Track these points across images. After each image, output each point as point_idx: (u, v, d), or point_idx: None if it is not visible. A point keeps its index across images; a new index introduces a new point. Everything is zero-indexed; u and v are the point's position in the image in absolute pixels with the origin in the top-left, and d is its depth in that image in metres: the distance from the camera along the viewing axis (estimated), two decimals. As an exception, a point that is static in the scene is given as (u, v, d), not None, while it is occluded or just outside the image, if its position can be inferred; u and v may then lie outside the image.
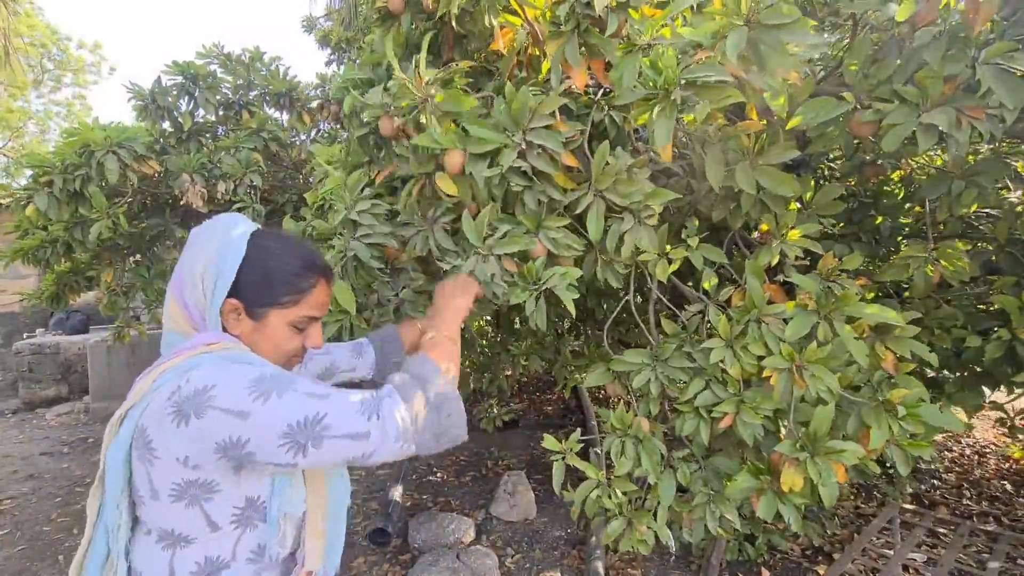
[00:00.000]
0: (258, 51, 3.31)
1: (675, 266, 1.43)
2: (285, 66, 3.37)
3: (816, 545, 2.99)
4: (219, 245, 0.84)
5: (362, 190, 1.54)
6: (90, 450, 4.85)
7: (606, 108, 1.52)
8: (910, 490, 3.64)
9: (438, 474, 4.12)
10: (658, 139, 1.01)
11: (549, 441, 1.40)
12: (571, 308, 1.15)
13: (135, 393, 0.79)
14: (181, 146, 2.93)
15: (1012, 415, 2.72)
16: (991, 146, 1.60)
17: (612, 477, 1.41)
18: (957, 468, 4.11)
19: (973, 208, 1.43)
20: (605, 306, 2.81)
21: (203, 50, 3.06)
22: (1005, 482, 3.84)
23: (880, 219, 2.08)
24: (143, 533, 0.80)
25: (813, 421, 1.12)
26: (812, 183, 1.59)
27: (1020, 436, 2.48)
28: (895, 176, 1.95)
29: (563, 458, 1.39)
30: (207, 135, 3.10)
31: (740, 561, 2.86)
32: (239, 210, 2.67)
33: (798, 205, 1.56)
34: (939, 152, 1.89)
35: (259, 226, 0.91)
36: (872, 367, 1.29)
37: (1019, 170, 1.51)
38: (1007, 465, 4.15)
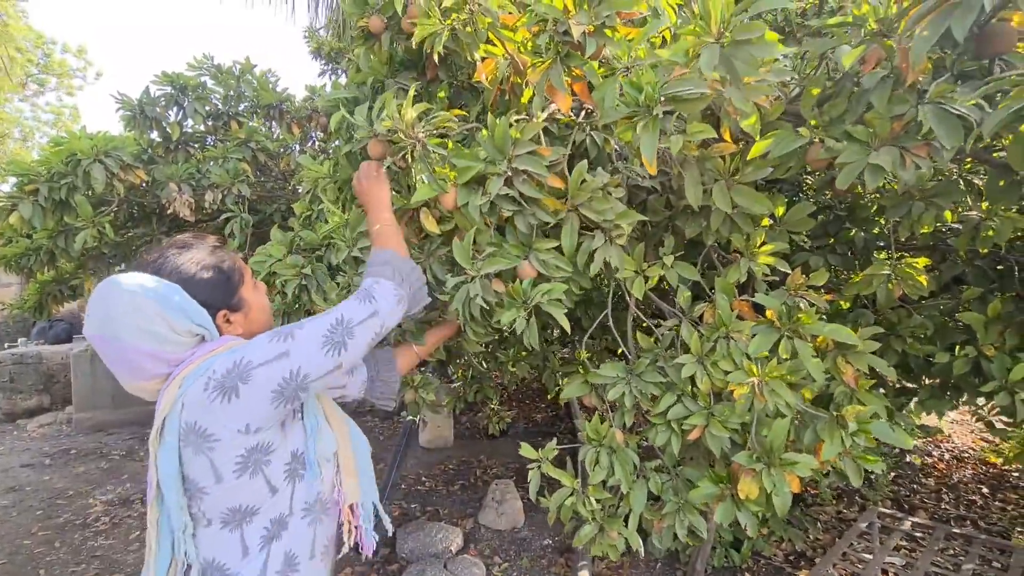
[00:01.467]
0: (249, 63, 3.34)
1: (651, 283, 1.47)
2: (275, 78, 3.40)
3: (799, 550, 3.04)
4: (153, 301, 0.86)
5: (363, 228, 1.58)
6: (72, 462, 4.79)
7: (587, 129, 1.57)
8: (890, 495, 3.71)
9: (427, 483, 4.13)
10: (644, 154, 1.05)
11: (526, 449, 1.43)
12: (564, 323, 1.18)
13: (164, 404, 0.86)
14: (169, 156, 2.94)
15: (990, 413, 2.79)
16: (951, 167, 1.67)
17: (588, 485, 1.44)
18: (936, 473, 4.20)
19: (927, 228, 1.49)
20: (592, 316, 2.85)
21: (194, 62, 3.08)
22: (982, 486, 3.93)
23: (854, 232, 2.15)
24: (203, 527, 0.87)
25: (770, 434, 1.17)
26: (785, 200, 1.64)
27: (999, 438, 2.55)
28: (868, 191, 2.01)
29: (539, 466, 1.42)
30: (196, 145, 3.11)
31: (725, 567, 2.90)
32: (227, 220, 2.68)
33: (770, 221, 1.62)
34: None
35: (134, 273, 0.92)
36: (834, 379, 1.35)
37: (980, 187, 1.58)
38: (984, 470, 4.25)
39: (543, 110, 1.36)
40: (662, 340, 1.53)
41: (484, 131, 1.18)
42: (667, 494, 1.44)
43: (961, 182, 1.68)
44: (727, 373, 1.27)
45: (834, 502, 3.59)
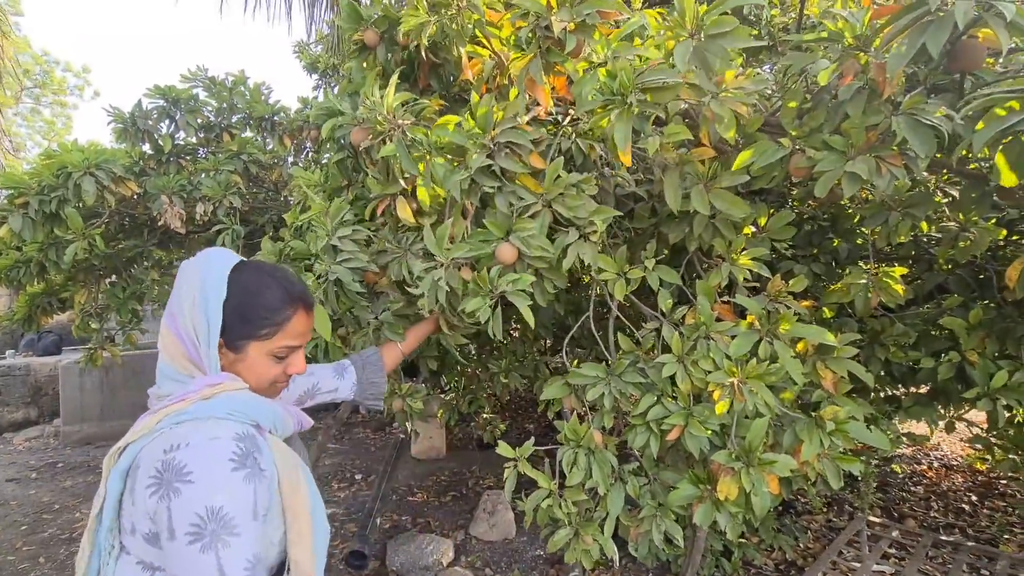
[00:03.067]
0: (242, 75, 3.37)
1: (633, 286, 1.49)
2: (269, 90, 3.43)
3: (789, 559, 3.04)
4: (202, 285, 0.85)
5: (343, 217, 1.59)
6: (59, 476, 4.72)
7: (572, 135, 1.60)
8: (880, 503, 3.73)
9: (418, 495, 4.10)
10: (617, 141, 1.08)
11: (503, 448, 1.43)
12: (528, 317, 1.19)
13: (140, 428, 0.82)
14: (160, 168, 2.95)
15: (974, 423, 2.83)
16: (929, 175, 1.71)
17: (565, 487, 1.44)
18: (925, 481, 4.22)
19: (903, 238, 1.54)
20: (582, 324, 2.87)
21: (188, 73, 3.10)
22: (971, 494, 3.95)
23: (837, 242, 2.19)
24: (125, 554, 0.82)
25: (749, 434, 1.19)
26: (768, 209, 1.67)
27: (982, 445, 2.58)
28: (847, 202, 2.06)
29: (515, 465, 1.42)
30: (187, 157, 3.12)
31: (716, 576, 2.90)
32: (218, 232, 2.69)
33: (753, 229, 1.65)
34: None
35: (242, 259, 0.91)
36: (814, 385, 1.37)
37: (955, 199, 1.63)
38: (973, 478, 4.27)
39: (527, 110, 1.40)
40: (643, 342, 1.55)
41: (468, 119, 1.20)
42: (645, 498, 1.43)
43: (939, 193, 1.72)
44: (707, 373, 1.28)
45: (824, 511, 3.60)
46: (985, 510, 3.68)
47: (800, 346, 1.38)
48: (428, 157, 1.25)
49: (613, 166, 1.95)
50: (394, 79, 1.32)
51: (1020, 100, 0.82)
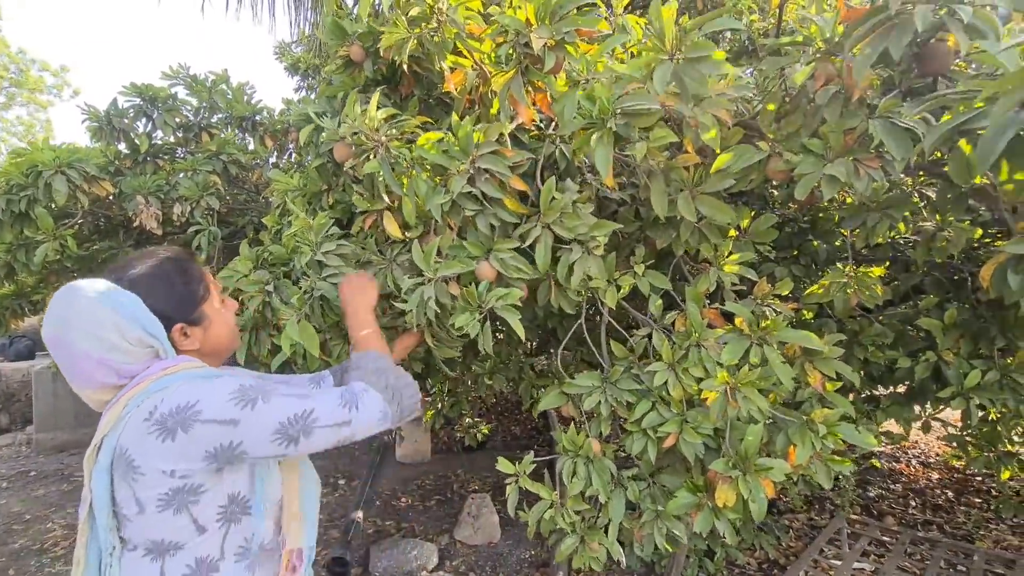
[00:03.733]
0: (224, 74, 3.31)
1: (624, 292, 1.49)
2: (251, 90, 3.37)
3: (772, 558, 3.07)
4: (108, 308, 0.86)
5: (328, 232, 1.57)
6: (31, 484, 4.58)
7: (557, 141, 1.60)
8: (859, 501, 3.79)
9: (402, 499, 4.06)
10: (599, 165, 1.09)
11: (503, 464, 1.43)
12: (519, 330, 1.19)
13: (107, 422, 0.85)
14: (137, 168, 2.88)
15: (951, 423, 2.88)
16: (906, 176, 1.74)
17: (566, 497, 1.44)
18: (904, 479, 4.30)
19: (881, 239, 1.56)
20: (568, 327, 2.87)
21: (168, 72, 3.04)
22: (948, 491, 4.03)
23: (816, 243, 2.22)
24: (128, 550, 0.84)
25: (744, 440, 1.20)
26: (750, 212, 1.69)
27: (956, 443, 2.63)
28: (826, 204, 2.09)
29: (516, 481, 1.41)
30: (165, 157, 3.06)
31: (700, 577, 2.91)
32: (196, 233, 2.64)
33: (737, 232, 1.66)
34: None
35: (101, 281, 0.91)
36: (805, 384, 1.39)
37: (932, 199, 1.66)
38: (950, 475, 4.36)
39: (511, 120, 1.39)
40: (635, 348, 1.55)
41: (449, 136, 1.20)
42: (645, 502, 1.45)
43: (916, 195, 1.75)
44: (699, 380, 1.29)
45: (805, 509, 3.65)
46: (961, 507, 3.76)
47: (788, 349, 1.39)
48: (411, 173, 1.24)
49: (596, 171, 1.96)
50: (376, 96, 1.30)
51: (966, 103, 0.84)
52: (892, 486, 4.14)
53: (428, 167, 1.22)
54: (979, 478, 4.21)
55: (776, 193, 2.13)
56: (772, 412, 1.28)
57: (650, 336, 1.54)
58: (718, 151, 1.35)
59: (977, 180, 0.95)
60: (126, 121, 2.75)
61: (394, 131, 1.24)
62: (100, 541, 0.83)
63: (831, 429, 1.21)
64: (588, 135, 1.13)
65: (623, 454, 1.48)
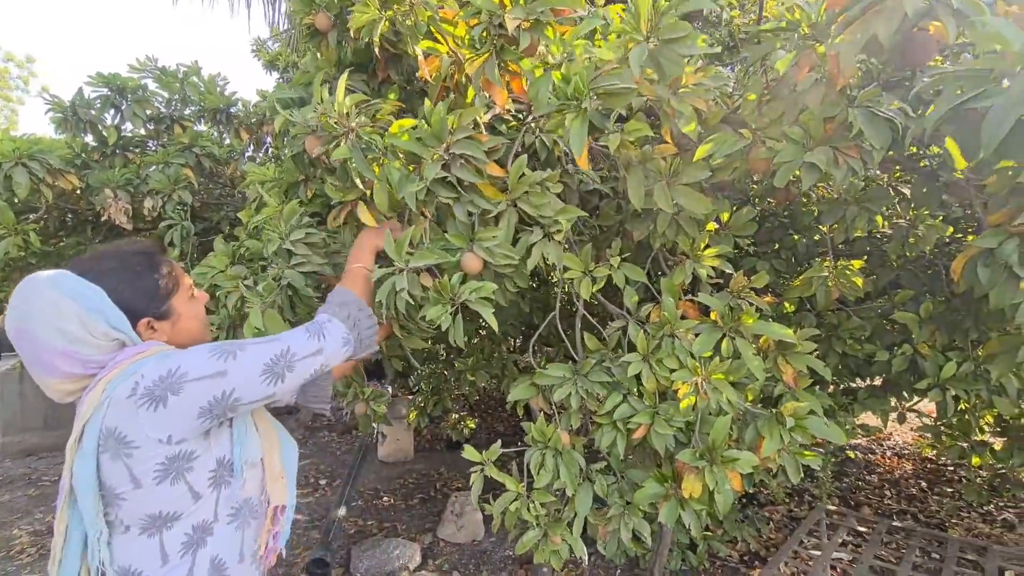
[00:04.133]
0: (196, 66, 3.21)
1: (599, 284, 1.48)
2: (224, 81, 3.28)
3: (753, 550, 3.10)
4: (71, 300, 0.86)
5: (299, 219, 1.53)
6: (-3, 489, 4.42)
7: (537, 131, 1.57)
8: (837, 492, 3.85)
9: (385, 498, 4.02)
10: (572, 145, 1.07)
11: (469, 452, 1.40)
12: (493, 323, 1.16)
13: (86, 408, 0.86)
14: (105, 161, 2.78)
15: (926, 415, 2.95)
16: (882, 173, 1.76)
17: (533, 489, 1.42)
18: (879, 470, 4.39)
19: (860, 232, 1.58)
20: (550, 323, 2.86)
21: (137, 64, 2.94)
22: (921, 481, 4.13)
23: (796, 238, 2.24)
24: (119, 534, 0.86)
25: (712, 431, 1.19)
26: (731, 206, 1.69)
27: (930, 435, 2.69)
28: (805, 199, 2.11)
29: (482, 470, 1.39)
30: (136, 150, 2.96)
31: (683, 570, 2.93)
32: (167, 228, 2.56)
33: (716, 226, 1.66)
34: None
35: (65, 272, 0.91)
36: (775, 379, 1.39)
37: (906, 196, 1.68)
38: (923, 465, 4.47)
39: (487, 108, 1.36)
40: (609, 340, 1.54)
41: (423, 123, 1.16)
42: (612, 496, 1.44)
43: (892, 191, 1.77)
44: (672, 371, 1.28)
45: (786, 501, 3.70)
46: (934, 496, 3.85)
47: (762, 341, 1.39)
48: (384, 161, 1.20)
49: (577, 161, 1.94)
50: (343, 81, 1.26)
51: (972, 81, 0.84)
52: (868, 477, 4.23)
53: (401, 155, 1.18)
54: (951, 468, 4.32)
55: (756, 187, 2.14)
56: (742, 405, 1.28)
57: (624, 329, 1.53)
58: (693, 138, 1.34)
59: (963, 165, 0.94)
60: (93, 112, 2.65)
61: (363, 117, 1.20)
62: (87, 527, 0.84)
63: (799, 422, 1.21)
64: (562, 116, 1.11)
65: (593, 448, 1.47)
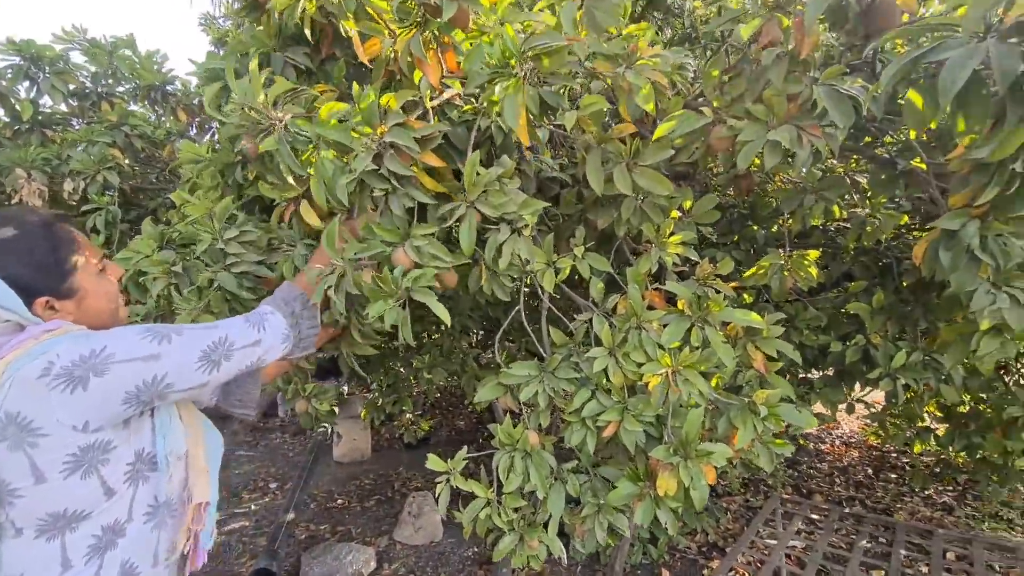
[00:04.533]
0: (130, 38, 2.95)
1: (563, 275, 1.42)
2: (162, 58, 3.03)
3: (712, 541, 3.13)
4: None
5: (233, 216, 1.39)
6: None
7: (495, 114, 1.48)
8: (791, 481, 3.96)
9: (340, 500, 3.86)
10: (508, 118, 1.00)
11: (434, 462, 1.32)
12: (442, 315, 1.07)
13: None
14: (19, 138, 2.52)
15: (873, 404, 3.04)
16: (839, 164, 1.77)
17: (503, 494, 1.35)
18: (829, 458, 4.54)
19: (817, 221, 1.58)
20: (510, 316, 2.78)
21: (62, 34, 2.66)
22: (868, 468, 4.29)
23: (755, 228, 2.24)
24: (9, 537, 0.77)
25: (685, 425, 1.16)
26: (691, 193, 1.65)
27: (878, 423, 2.77)
28: (767, 189, 2.11)
29: (448, 480, 1.31)
30: (56, 128, 2.69)
31: (643, 564, 2.92)
32: (91, 212, 2.33)
33: (679, 214, 1.62)
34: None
35: None
36: (745, 366, 1.36)
37: (863, 186, 1.69)
38: (869, 452, 4.65)
39: (434, 91, 1.26)
40: (576, 334, 1.48)
41: (356, 109, 1.05)
42: (586, 495, 1.39)
43: (847, 180, 1.78)
44: (640, 365, 1.23)
45: (742, 491, 3.76)
46: (880, 482, 4.00)
47: (729, 328, 1.36)
48: (312, 150, 1.09)
49: (536, 149, 1.86)
50: (255, 63, 1.14)
51: (930, 34, 0.81)
52: (819, 465, 4.36)
53: (332, 144, 1.06)
54: (894, 455, 4.52)
55: (716, 177, 2.12)
56: (714, 395, 1.24)
57: (592, 321, 1.47)
58: (653, 116, 1.29)
59: (933, 125, 0.92)
60: (4, 83, 2.38)
61: (293, 106, 1.08)
62: None
63: (772, 411, 1.19)
64: (494, 85, 1.03)
65: (563, 447, 1.41)
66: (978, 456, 2.56)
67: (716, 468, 1.15)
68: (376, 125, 1.04)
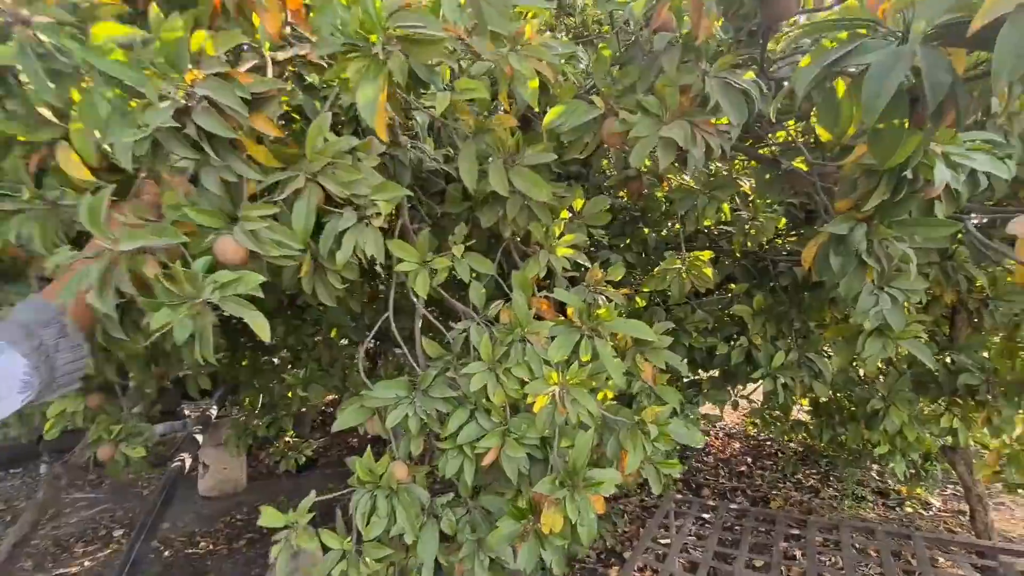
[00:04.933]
0: None
1: (440, 278, 1.23)
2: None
3: (609, 546, 3.11)
4: None
5: None
6: None
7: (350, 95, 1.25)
8: (682, 477, 4.10)
9: (202, 543, 3.33)
10: (363, 108, 0.80)
11: (268, 515, 1.06)
12: (262, 333, 0.82)
13: None
14: None
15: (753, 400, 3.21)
16: (725, 166, 1.78)
17: (363, 542, 1.14)
18: (714, 451, 4.81)
19: (709, 222, 1.55)
20: (400, 323, 2.54)
21: None
22: (748, 457, 4.60)
23: (647, 231, 2.22)
24: None
25: (572, 452, 1.05)
26: (582, 193, 1.54)
27: (757, 418, 2.92)
28: (658, 192, 2.09)
29: (287, 537, 1.06)
30: None
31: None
32: None
33: (570, 214, 1.50)
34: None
35: None
36: (637, 378, 1.28)
37: (745, 190, 1.70)
38: (748, 443, 5.01)
39: (287, 44, 1.01)
40: (454, 344, 1.29)
41: (157, 41, 0.77)
42: (464, 532, 1.22)
43: (735, 181, 1.80)
44: (524, 383, 1.08)
45: (637, 491, 3.83)
46: (758, 470, 4.29)
47: (619, 339, 1.25)
48: (87, 82, 0.78)
49: (417, 134, 1.65)
50: None
51: (849, 31, 0.74)
52: (705, 458, 4.59)
53: (109, 81, 0.77)
54: (769, 444, 4.89)
55: (610, 180, 2.05)
56: (603, 414, 1.13)
57: (471, 331, 1.30)
58: (538, 110, 1.16)
59: (851, 131, 0.86)
60: None
61: (53, 7, 0.77)
62: None
63: (662, 429, 1.11)
64: (348, 61, 0.83)
65: (438, 478, 1.23)
66: (838, 442, 2.79)
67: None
68: (184, 69, 0.77)
